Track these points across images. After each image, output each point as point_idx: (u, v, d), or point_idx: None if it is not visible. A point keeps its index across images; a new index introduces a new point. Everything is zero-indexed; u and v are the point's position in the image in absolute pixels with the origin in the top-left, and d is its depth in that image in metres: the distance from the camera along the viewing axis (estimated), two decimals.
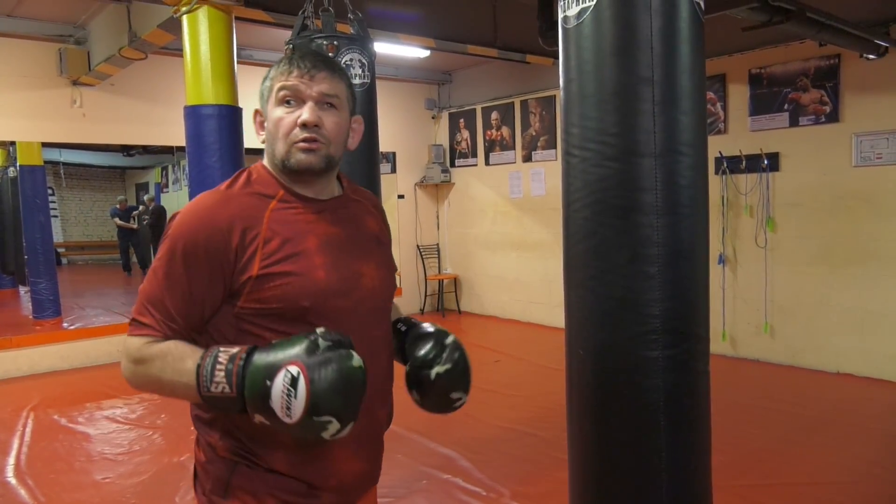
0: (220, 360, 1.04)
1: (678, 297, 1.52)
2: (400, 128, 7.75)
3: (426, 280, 8.20)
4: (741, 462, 3.41)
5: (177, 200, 12.33)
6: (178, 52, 4.12)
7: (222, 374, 1.03)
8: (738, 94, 5.44)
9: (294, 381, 0.99)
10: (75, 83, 5.83)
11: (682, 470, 1.57)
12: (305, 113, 1.16)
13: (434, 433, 3.93)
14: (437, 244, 8.39)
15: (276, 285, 1.12)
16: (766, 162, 5.26)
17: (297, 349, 1.01)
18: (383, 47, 5.41)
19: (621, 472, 1.56)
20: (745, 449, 3.59)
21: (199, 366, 1.05)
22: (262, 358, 1.02)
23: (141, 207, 11.99)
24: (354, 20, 2.59)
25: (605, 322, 1.55)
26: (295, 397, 0.98)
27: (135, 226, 11.94)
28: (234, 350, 1.05)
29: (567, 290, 1.67)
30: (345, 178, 1.34)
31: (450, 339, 1.32)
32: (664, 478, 1.53)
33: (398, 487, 3.19)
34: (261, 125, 1.24)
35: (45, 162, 8.64)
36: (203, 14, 3.62)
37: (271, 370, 1.00)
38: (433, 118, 8.29)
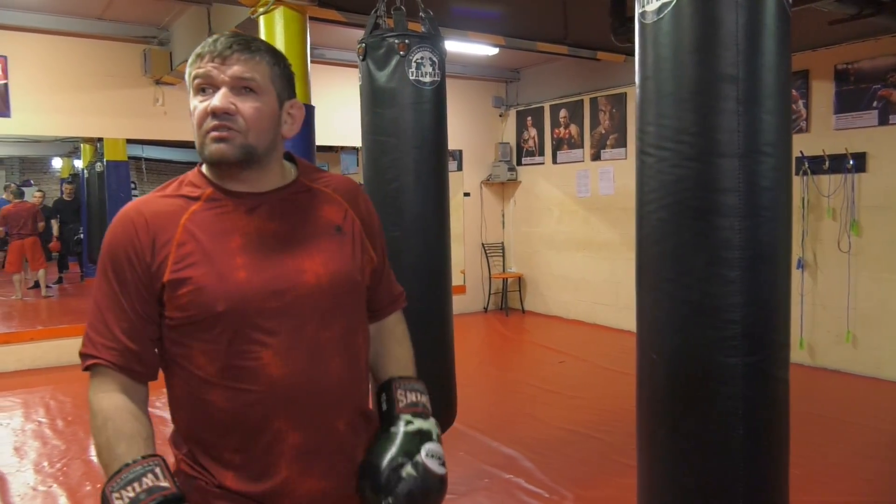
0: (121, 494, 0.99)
1: (759, 303, 1.46)
2: (467, 126, 7.76)
3: (490, 278, 8.18)
4: (817, 477, 3.26)
5: None
6: None
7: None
8: (822, 91, 5.19)
9: None
10: (158, 82, 6.09)
11: (760, 482, 1.51)
12: (214, 99, 1.06)
13: (496, 432, 3.91)
14: (502, 242, 8.36)
15: (189, 290, 1.05)
16: (851, 162, 4.99)
17: None
18: (452, 45, 5.42)
19: (695, 481, 1.51)
20: (822, 463, 3.42)
21: (116, 472, 1.01)
22: None
23: None
24: (426, 18, 2.59)
25: (680, 326, 1.50)
26: None
27: None
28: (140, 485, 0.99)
29: (640, 292, 1.63)
30: (303, 165, 1.23)
31: (419, 459, 1.13)
32: (740, 489, 1.48)
33: (459, 485, 3.20)
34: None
35: (129, 157, 9.06)
36: (279, 14, 3.71)
37: None
38: (500, 116, 8.25)
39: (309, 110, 3.82)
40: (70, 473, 3.48)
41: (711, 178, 1.41)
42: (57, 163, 14.39)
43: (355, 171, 10.52)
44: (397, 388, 1.22)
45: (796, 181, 5.22)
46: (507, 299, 8.16)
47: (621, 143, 6.77)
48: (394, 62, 2.44)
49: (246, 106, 1.07)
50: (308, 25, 3.85)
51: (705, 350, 1.45)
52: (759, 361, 1.45)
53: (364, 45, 2.53)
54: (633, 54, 1.62)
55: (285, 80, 1.14)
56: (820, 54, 5.09)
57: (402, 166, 2.44)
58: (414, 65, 2.44)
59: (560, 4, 4.87)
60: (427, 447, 1.15)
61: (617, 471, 3.34)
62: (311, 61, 3.90)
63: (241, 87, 1.07)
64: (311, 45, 3.91)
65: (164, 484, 1.00)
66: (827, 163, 5.11)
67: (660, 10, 1.47)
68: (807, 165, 5.19)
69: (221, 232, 1.08)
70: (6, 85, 5.48)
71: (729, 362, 1.43)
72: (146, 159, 11.11)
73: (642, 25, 1.53)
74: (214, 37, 1.09)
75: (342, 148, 10.18)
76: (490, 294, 8.21)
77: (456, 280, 7.60)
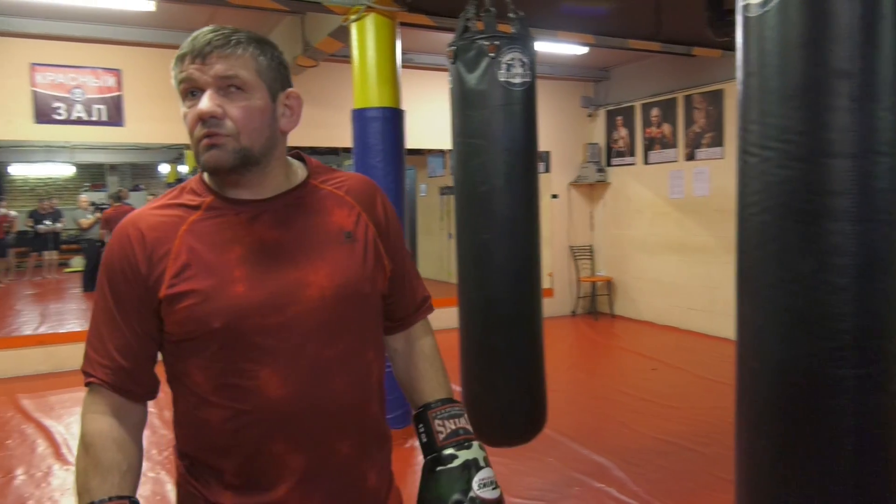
0: None
1: (873, 312, 1.36)
2: (554, 127, 7.67)
3: (578, 282, 8.05)
4: None
5: None
6: (345, 58, 4.35)
7: None
8: None
9: None
10: None
11: (871, 502, 1.41)
12: (201, 103, 0.98)
13: (586, 439, 3.84)
14: (591, 245, 8.21)
15: (185, 306, 0.99)
16: None
17: None
18: (539, 46, 5.37)
19: (799, 501, 1.43)
20: None
21: None
22: None
23: None
24: (516, 19, 2.58)
25: (784, 335, 1.42)
26: None
27: None
28: None
29: (740, 298, 1.55)
30: (313, 165, 1.15)
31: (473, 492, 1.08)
32: None
33: (549, 492, 3.15)
34: None
35: None
36: (370, 21, 3.80)
37: None
38: (589, 116, 8.11)
39: (398, 114, 3.89)
40: None
41: (821, 180, 1.33)
42: (164, 168, 15.35)
43: (442, 174, 10.61)
44: (434, 419, 1.15)
45: None
46: (596, 303, 8.00)
47: (718, 142, 6.50)
48: (484, 64, 2.44)
49: (234, 106, 0.99)
50: (398, 31, 3.92)
51: (812, 360, 1.37)
52: (872, 374, 1.35)
53: (454, 48, 2.54)
54: (731, 49, 1.55)
55: (276, 70, 1.04)
56: None
57: (492, 168, 2.44)
58: (504, 66, 2.43)
59: None
60: (478, 477, 1.09)
61: (715, 486, 3.20)
62: (402, 66, 3.97)
63: (227, 87, 0.99)
64: (400, 50, 3.98)
65: None
66: None
67: (765, 2, 1.39)
68: None
69: (221, 243, 1.02)
70: (120, 96, 5.88)
71: (838, 374, 1.34)
72: None
73: (746, 19, 1.46)
74: (195, 34, 1.01)
75: (429, 151, 10.30)
76: (578, 298, 8.08)
77: (543, 283, 7.54)
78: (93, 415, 1.02)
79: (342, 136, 4.97)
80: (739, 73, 1.50)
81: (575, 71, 7.67)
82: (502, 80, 2.45)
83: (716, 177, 6.51)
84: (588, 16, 4.38)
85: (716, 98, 6.52)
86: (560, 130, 7.83)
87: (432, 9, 3.91)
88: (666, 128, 7.14)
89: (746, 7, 1.45)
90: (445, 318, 7.01)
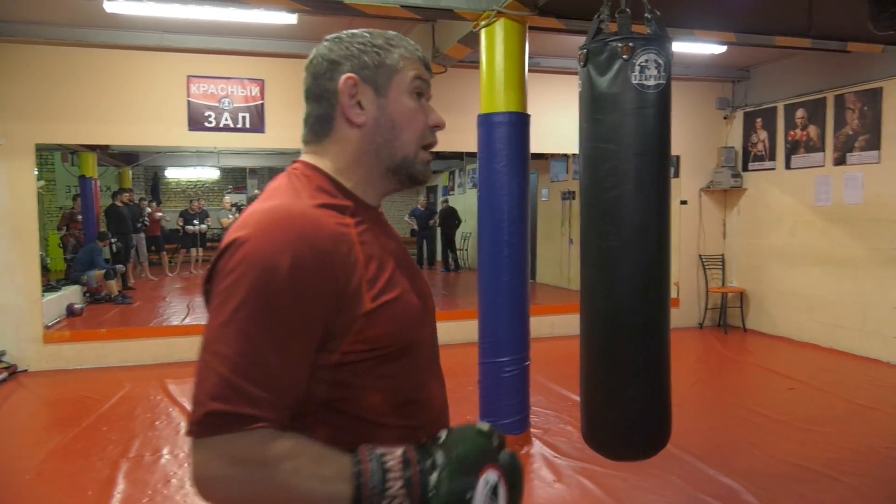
0: (387, 464, 0.81)
1: None
2: (686, 130, 7.33)
3: (707, 292, 7.65)
4: None
5: (463, 202, 13.24)
6: (472, 64, 4.40)
7: (399, 483, 0.80)
8: None
9: (495, 490, 0.85)
10: None
11: None
12: (440, 115, 1.02)
13: (712, 459, 3.64)
14: (723, 254, 7.77)
15: (389, 318, 0.88)
16: None
17: (483, 449, 0.86)
18: (675, 46, 5.16)
19: None
20: None
21: (357, 473, 0.80)
22: (450, 463, 0.83)
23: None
24: (652, 19, 2.49)
25: None
26: None
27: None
28: (398, 452, 0.83)
29: None
30: None
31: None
32: None
33: None
34: (358, 102, 0.97)
35: None
36: (499, 26, 3.82)
37: (470, 478, 0.83)
38: (725, 118, 7.69)
39: (525, 119, 3.87)
40: None
41: None
42: None
43: (564, 178, 10.46)
44: None
45: None
46: (727, 316, 7.56)
47: (874, 145, 5.94)
48: (616, 66, 2.37)
49: None
50: (527, 35, 3.90)
51: None
52: None
53: (585, 50, 2.49)
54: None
55: None
56: None
57: (622, 174, 2.36)
58: (638, 68, 2.35)
59: None
60: None
61: None
62: (528, 70, 3.95)
63: None
64: (527, 54, 3.96)
65: (398, 452, 0.84)
66: None
67: None
68: None
69: (383, 250, 0.94)
70: (263, 105, 6.28)
71: None
72: None
73: None
74: (409, 42, 1.03)
75: (552, 155, 10.18)
76: (706, 309, 7.67)
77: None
78: (270, 443, 0.80)
79: (467, 141, 5.02)
80: None
81: (710, 71, 7.31)
82: (635, 82, 2.36)
83: (871, 183, 5.95)
84: (712, 13, 4.14)
85: (872, 97, 5.97)
86: (692, 133, 7.48)
87: (563, 12, 3.86)
88: (812, 130, 6.62)
89: None
90: (564, 324, 6.98)
